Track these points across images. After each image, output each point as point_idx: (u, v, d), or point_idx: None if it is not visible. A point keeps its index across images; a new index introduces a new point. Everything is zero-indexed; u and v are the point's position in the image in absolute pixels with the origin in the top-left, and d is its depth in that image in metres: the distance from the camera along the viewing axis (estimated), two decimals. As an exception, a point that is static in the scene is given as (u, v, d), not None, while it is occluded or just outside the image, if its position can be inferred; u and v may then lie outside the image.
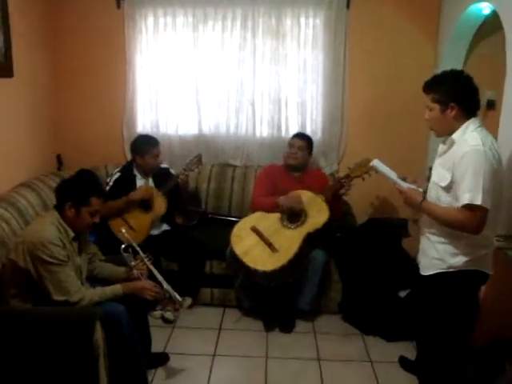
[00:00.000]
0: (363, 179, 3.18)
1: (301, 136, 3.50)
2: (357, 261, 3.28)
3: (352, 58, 3.77)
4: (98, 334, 2.18)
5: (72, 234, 2.42)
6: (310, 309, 3.30)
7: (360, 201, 3.86)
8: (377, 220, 3.54)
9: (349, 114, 3.88)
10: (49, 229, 2.34)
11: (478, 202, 1.99)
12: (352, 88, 3.84)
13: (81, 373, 2.15)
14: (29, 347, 2.10)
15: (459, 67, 3.55)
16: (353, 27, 3.72)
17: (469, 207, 2.02)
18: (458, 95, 2.12)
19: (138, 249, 2.70)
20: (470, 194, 2.00)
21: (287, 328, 3.27)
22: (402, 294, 3.19)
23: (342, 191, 3.25)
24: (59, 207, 2.41)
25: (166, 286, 2.62)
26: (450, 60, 3.50)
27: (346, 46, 3.74)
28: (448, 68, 2.33)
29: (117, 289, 2.47)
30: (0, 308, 2.38)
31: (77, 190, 2.38)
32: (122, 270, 2.69)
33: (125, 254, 2.67)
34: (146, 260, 2.67)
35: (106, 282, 2.65)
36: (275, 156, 3.86)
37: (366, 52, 3.79)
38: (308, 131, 3.86)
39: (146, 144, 3.40)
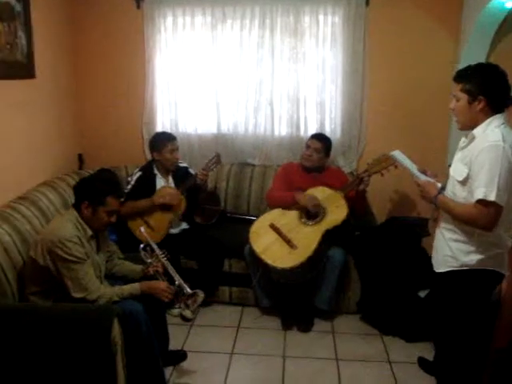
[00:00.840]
0: (382, 175, 3.13)
1: (318, 138, 3.44)
2: (376, 260, 3.24)
3: (371, 56, 3.72)
4: (116, 331, 2.19)
5: (90, 233, 2.46)
6: (327, 308, 3.28)
7: (380, 200, 3.83)
8: (396, 219, 3.50)
9: (368, 112, 3.83)
10: (67, 227, 2.38)
11: (492, 197, 1.96)
12: (371, 86, 3.79)
13: (98, 368, 2.18)
14: (48, 343, 2.14)
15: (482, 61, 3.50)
16: (372, 24, 3.67)
17: (482, 203, 2.00)
18: (488, 89, 2.08)
19: (154, 246, 2.74)
20: (485, 189, 1.97)
21: (305, 327, 3.26)
22: (422, 293, 3.15)
23: (362, 187, 3.22)
24: (77, 206, 2.45)
25: (178, 280, 2.63)
26: (472, 56, 3.41)
27: (366, 44, 3.69)
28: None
29: (135, 288, 2.50)
30: (19, 305, 2.42)
31: (94, 190, 2.41)
32: (139, 267, 2.72)
33: (143, 253, 2.71)
34: (160, 257, 2.69)
35: (125, 279, 2.69)
36: (294, 155, 3.85)
37: (386, 49, 3.74)
38: (327, 130, 3.84)
39: (162, 139, 3.44)
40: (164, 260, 2.68)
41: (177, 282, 2.62)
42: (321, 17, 3.70)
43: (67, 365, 2.16)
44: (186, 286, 2.62)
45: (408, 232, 3.32)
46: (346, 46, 3.70)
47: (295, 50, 3.75)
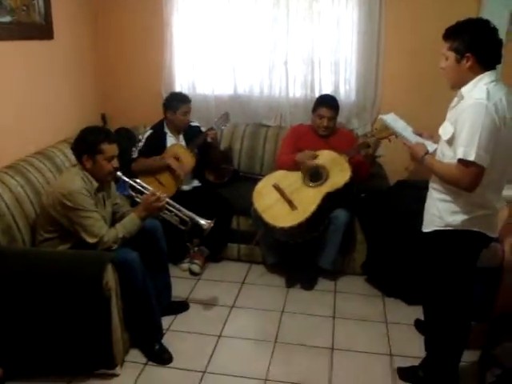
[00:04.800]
0: (390, 141, 3.07)
1: (329, 105, 3.35)
2: (382, 222, 3.23)
3: (388, 15, 3.60)
4: (109, 277, 2.33)
5: (96, 185, 2.60)
6: (331, 268, 3.32)
7: (394, 164, 3.76)
8: (405, 182, 3.45)
9: (384, 73, 3.74)
10: (76, 180, 2.53)
11: (471, 157, 1.92)
12: (388, 47, 3.68)
13: (93, 312, 2.33)
14: (44, 286, 2.30)
15: (504, 20, 3.34)
16: (389, -19, 3.55)
17: (462, 162, 1.96)
18: (475, 45, 2.01)
19: (146, 186, 2.80)
20: (464, 148, 1.94)
21: (308, 285, 3.33)
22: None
23: (370, 151, 3.19)
24: (80, 162, 2.59)
25: (185, 210, 2.78)
26: (495, 13, 3.26)
27: (382, 3, 3.57)
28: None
29: (131, 217, 2.61)
30: (13, 248, 2.58)
31: (88, 142, 2.55)
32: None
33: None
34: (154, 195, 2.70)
35: None
36: (309, 116, 3.80)
37: (404, 8, 3.60)
38: (341, 92, 3.81)
39: (178, 100, 3.50)
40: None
41: (185, 212, 2.77)
42: (337, -26, 3.61)
43: (64, 307, 2.33)
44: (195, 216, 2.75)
45: (415, 195, 3.27)
46: (361, 4, 3.60)
47: (311, 10, 3.68)
